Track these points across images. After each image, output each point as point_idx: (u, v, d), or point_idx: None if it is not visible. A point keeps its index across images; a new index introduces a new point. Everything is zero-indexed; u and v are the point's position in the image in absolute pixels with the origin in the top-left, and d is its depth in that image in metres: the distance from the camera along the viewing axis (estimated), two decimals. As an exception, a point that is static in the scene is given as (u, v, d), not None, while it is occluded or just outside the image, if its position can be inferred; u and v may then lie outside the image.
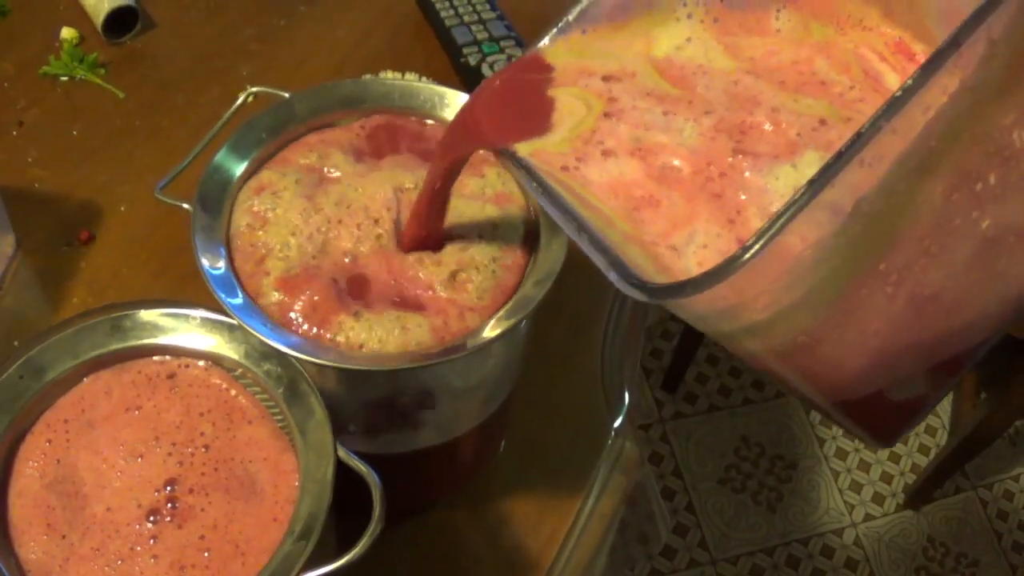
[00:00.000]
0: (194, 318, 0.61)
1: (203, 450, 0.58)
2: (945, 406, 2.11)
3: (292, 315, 0.60)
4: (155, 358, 0.62)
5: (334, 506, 0.55)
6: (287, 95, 0.70)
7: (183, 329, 0.61)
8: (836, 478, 2.00)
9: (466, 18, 1.10)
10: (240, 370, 0.61)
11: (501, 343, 0.62)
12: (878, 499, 1.99)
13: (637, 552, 1.05)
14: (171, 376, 0.61)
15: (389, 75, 1.02)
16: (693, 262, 0.48)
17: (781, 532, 1.92)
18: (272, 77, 1.05)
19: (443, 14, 1.10)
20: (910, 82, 0.40)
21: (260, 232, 0.63)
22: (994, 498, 2.03)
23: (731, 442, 2.01)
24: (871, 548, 1.93)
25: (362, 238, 0.63)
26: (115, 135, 0.99)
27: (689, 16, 0.58)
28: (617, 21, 0.58)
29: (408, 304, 0.62)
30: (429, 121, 0.72)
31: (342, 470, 0.57)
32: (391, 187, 0.66)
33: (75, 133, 0.99)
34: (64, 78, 1.03)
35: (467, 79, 1.04)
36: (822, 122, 0.52)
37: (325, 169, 0.67)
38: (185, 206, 0.63)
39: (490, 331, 0.60)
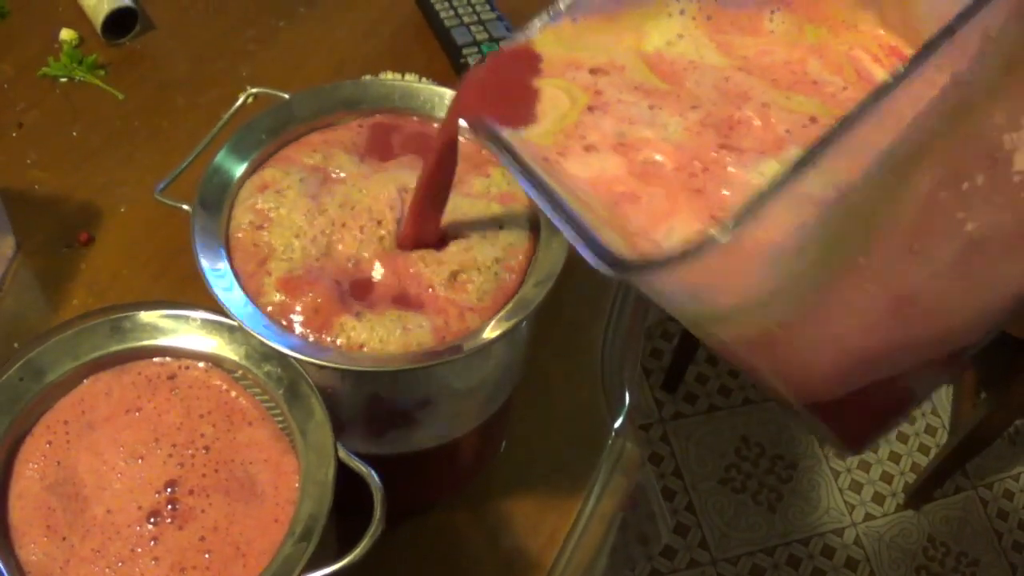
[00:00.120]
0: (194, 319, 0.61)
1: (203, 451, 0.58)
2: (945, 405, 2.11)
3: (293, 316, 0.60)
4: (155, 359, 0.62)
5: (335, 507, 0.55)
6: (287, 96, 0.70)
7: (183, 330, 0.61)
8: (836, 478, 2.00)
9: (466, 19, 1.10)
10: (240, 371, 0.61)
11: (502, 344, 0.61)
12: (878, 499, 1.99)
13: (637, 552, 1.05)
14: (171, 377, 0.61)
15: (389, 76, 1.02)
16: None
17: (781, 532, 1.92)
18: (272, 78, 1.05)
19: (443, 15, 1.10)
20: (901, 69, 0.39)
21: (263, 232, 0.63)
22: (994, 497, 2.03)
23: (731, 442, 2.01)
24: (871, 548, 1.93)
25: (365, 241, 0.63)
26: (115, 136, 0.99)
27: (682, 12, 0.58)
28: (608, 13, 0.57)
29: (409, 304, 0.62)
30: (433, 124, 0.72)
31: (343, 471, 0.56)
32: (395, 187, 0.66)
33: (75, 134, 0.99)
34: (63, 79, 1.03)
35: (467, 80, 1.04)
36: (813, 120, 0.51)
37: (329, 169, 0.67)
38: (185, 207, 0.63)
39: (490, 332, 0.60)
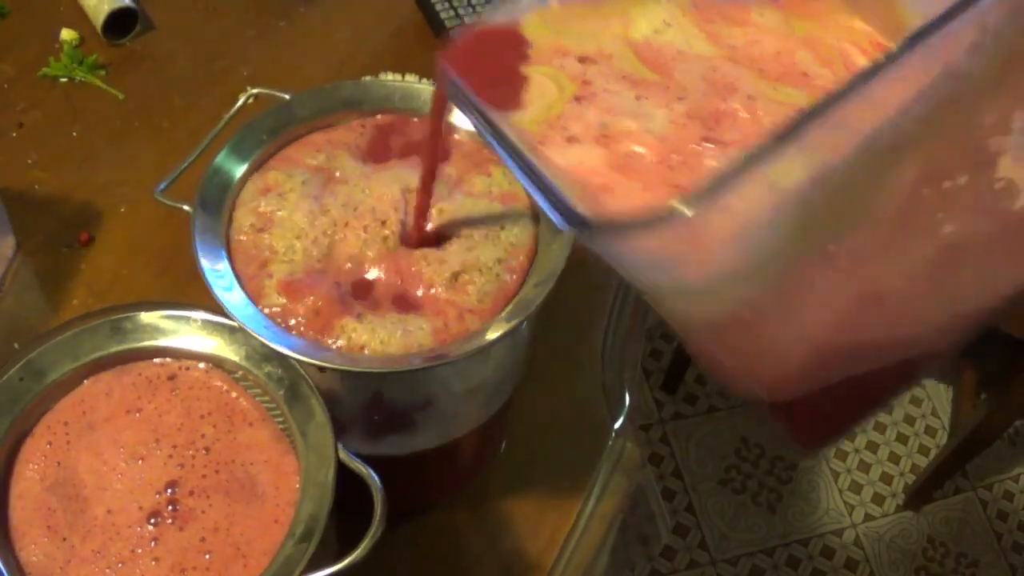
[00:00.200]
0: (195, 320, 0.61)
1: (204, 452, 0.58)
2: (945, 406, 2.11)
3: (294, 319, 0.60)
4: (156, 360, 0.62)
5: (335, 507, 0.55)
6: (287, 97, 0.70)
7: (184, 331, 0.61)
8: (836, 479, 2.00)
9: (466, 19, 1.10)
10: (241, 372, 0.61)
11: (502, 345, 0.61)
12: (878, 500, 1.99)
13: (637, 553, 1.05)
14: (172, 378, 0.61)
15: (389, 76, 1.02)
16: None
17: (781, 533, 1.92)
18: (272, 79, 1.05)
19: (443, 15, 1.10)
20: (895, 50, 0.38)
21: (264, 234, 0.63)
22: (994, 498, 2.03)
23: (731, 443, 2.01)
24: (871, 549, 1.93)
25: (369, 241, 0.63)
26: (115, 137, 0.99)
27: None
28: None
29: (410, 305, 0.62)
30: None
31: (343, 472, 0.56)
32: (398, 187, 0.66)
33: (75, 135, 0.99)
34: (64, 80, 1.03)
35: (467, 80, 1.04)
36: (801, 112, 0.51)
37: (332, 170, 0.67)
38: (185, 208, 0.63)
39: (491, 333, 0.60)
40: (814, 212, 0.41)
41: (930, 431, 2.09)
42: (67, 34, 1.06)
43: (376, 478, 0.56)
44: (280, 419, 0.59)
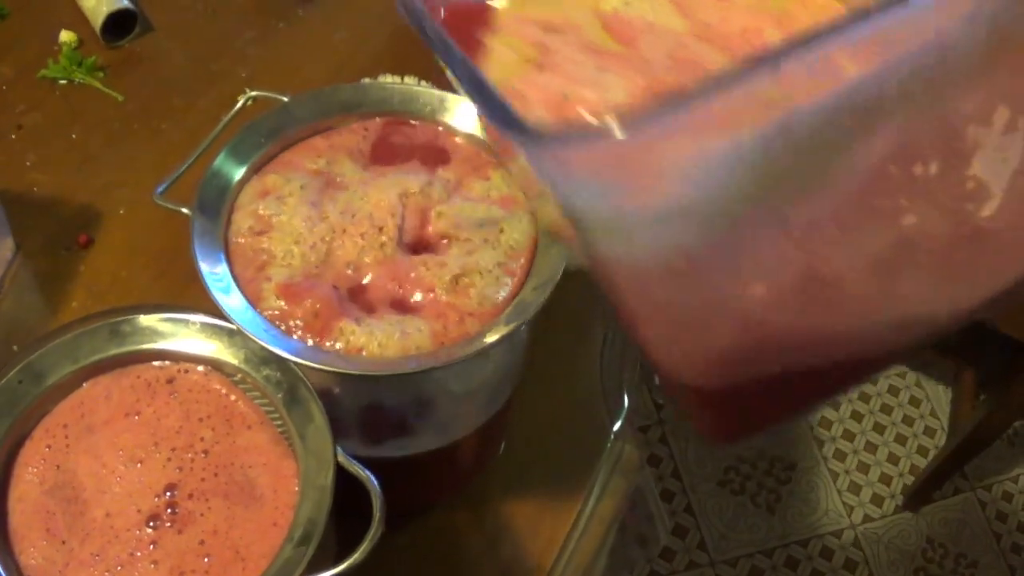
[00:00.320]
0: (193, 323, 0.61)
1: (203, 455, 0.58)
2: (944, 407, 2.11)
3: (293, 322, 0.60)
4: (154, 363, 0.62)
5: (334, 510, 0.55)
6: (286, 99, 0.70)
7: (182, 334, 0.61)
8: (835, 479, 2.00)
9: (465, 21, 1.09)
10: (239, 375, 0.61)
11: (500, 347, 0.62)
12: (877, 500, 1.99)
13: (636, 554, 1.05)
14: (170, 381, 0.61)
15: (388, 79, 1.02)
16: None
17: (780, 534, 1.92)
18: (271, 80, 1.05)
19: (442, 17, 1.10)
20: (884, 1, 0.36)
21: (263, 238, 0.63)
22: (993, 499, 2.03)
23: (730, 443, 2.01)
24: (870, 549, 1.93)
25: (366, 247, 0.63)
26: (114, 138, 0.99)
27: None
28: None
29: (408, 308, 0.62)
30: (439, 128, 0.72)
31: (342, 474, 0.56)
32: (396, 193, 0.66)
33: (74, 136, 0.99)
34: (63, 81, 1.03)
35: (466, 82, 1.04)
36: None
37: (332, 174, 0.67)
38: (184, 210, 0.63)
39: (490, 336, 0.60)
40: (775, 162, 0.38)
41: (929, 432, 2.09)
42: (66, 36, 1.06)
43: (374, 481, 0.56)
44: (279, 422, 0.60)
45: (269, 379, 0.60)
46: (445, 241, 0.65)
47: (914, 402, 2.11)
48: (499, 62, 0.50)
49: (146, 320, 0.61)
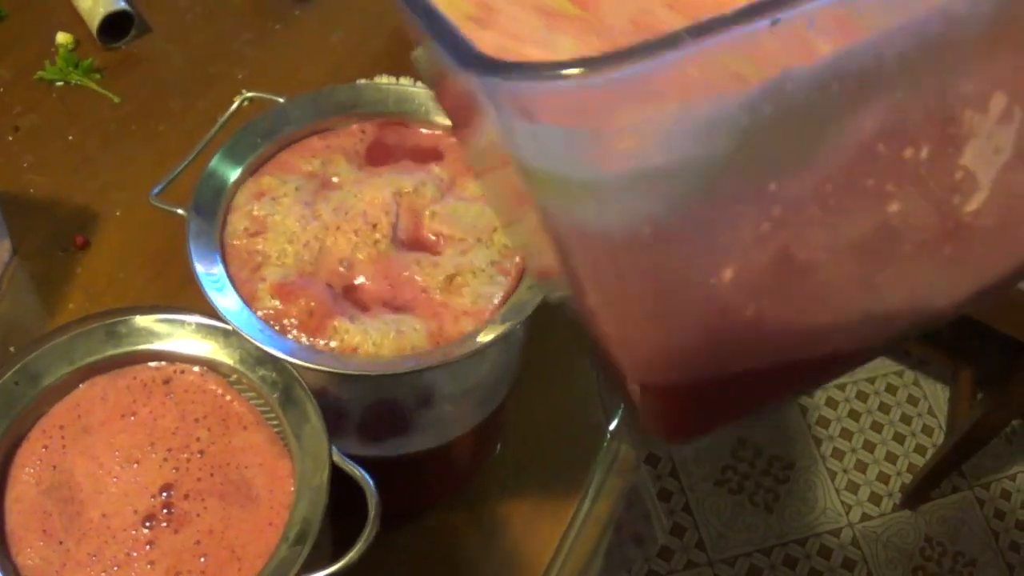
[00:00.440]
0: (189, 324, 0.61)
1: (199, 456, 0.59)
2: (942, 405, 2.12)
3: (287, 320, 0.60)
4: (151, 364, 0.62)
5: (330, 510, 0.55)
6: (282, 100, 0.71)
7: (178, 335, 0.61)
8: (833, 478, 2.00)
9: (461, 21, 1.09)
10: (235, 376, 0.61)
11: (496, 347, 0.62)
12: (875, 499, 1.99)
13: (634, 553, 1.05)
14: (166, 382, 0.61)
15: (384, 79, 1.02)
16: None
17: (778, 533, 1.93)
18: (267, 82, 1.05)
19: (438, 17, 1.10)
20: None
21: (258, 239, 0.64)
22: (991, 497, 2.03)
23: (727, 443, 2.02)
24: (868, 548, 1.94)
25: (360, 244, 0.64)
26: (110, 140, 0.99)
27: None
28: None
29: (403, 307, 0.62)
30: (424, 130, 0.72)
31: (338, 474, 0.57)
32: (390, 191, 0.66)
33: (70, 138, 0.99)
34: (60, 83, 1.03)
35: (462, 83, 1.04)
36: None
37: (328, 175, 0.68)
38: (180, 211, 0.64)
39: (485, 335, 0.60)
40: (762, 128, 0.35)
41: (927, 430, 2.09)
42: (62, 37, 1.06)
43: (369, 480, 0.57)
44: (274, 422, 0.60)
45: (265, 379, 0.60)
46: (439, 240, 0.65)
47: (912, 401, 2.11)
48: None
49: (142, 321, 0.61)
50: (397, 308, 0.62)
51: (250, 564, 0.55)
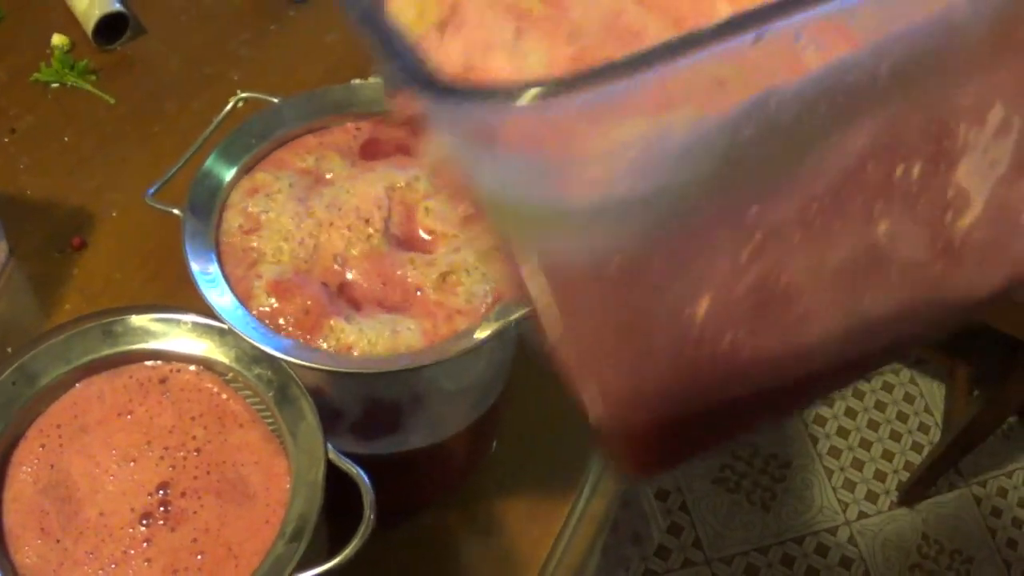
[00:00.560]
0: (185, 323, 0.62)
1: (195, 454, 0.59)
2: (938, 403, 2.12)
3: (283, 319, 0.61)
4: (147, 363, 0.62)
5: (326, 507, 0.56)
6: (276, 100, 0.71)
7: (174, 334, 0.62)
8: (830, 476, 2.01)
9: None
10: (231, 374, 0.61)
11: (491, 345, 0.62)
12: (872, 497, 2.00)
13: (631, 552, 1.05)
14: (163, 381, 0.61)
15: (379, 79, 1.02)
16: None
17: (775, 531, 1.93)
18: (263, 82, 1.05)
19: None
20: None
21: (252, 236, 0.64)
22: (988, 495, 2.04)
23: (725, 442, 2.02)
24: (865, 546, 1.94)
25: (353, 240, 0.64)
26: (106, 141, 0.99)
27: None
28: None
29: (398, 306, 0.62)
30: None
31: (334, 473, 0.57)
32: (383, 186, 0.66)
33: (66, 140, 0.99)
34: (55, 85, 1.03)
35: (457, 83, 1.04)
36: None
37: (321, 172, 0.68)
38: (176, 211, 0.64)
39: (479, 333, 0.60)
40: (743, 150, 0.32)
41: (923, 428, 2.09)
42: (58, 39, 1.06)
43: (365, 477, 0.57)
44: (270, 420, 0.60)
45: (260, 378, 0.60)
46: (433, 238, 0.65)
47: (908, 399, 2.11)
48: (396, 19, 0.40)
49: (138, 320, 0.62)
50: (391, 307, 0.62)
51: (247, 561, 0.55)
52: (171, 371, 0.62)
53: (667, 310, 0.36)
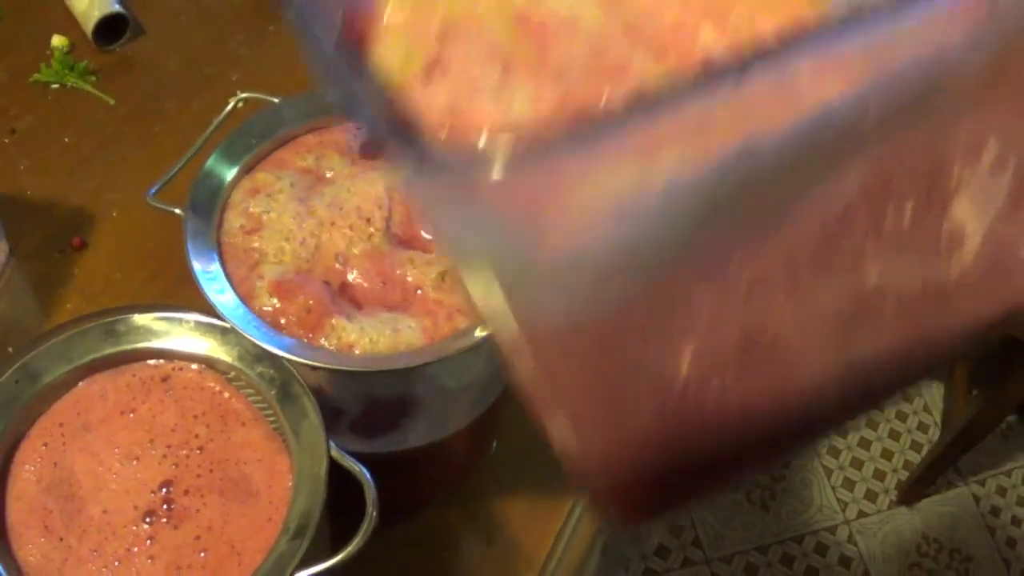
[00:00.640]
0: (187, 322, 0.62)
1: (198, 452, 0.59)
2: (937, 402, 2.12)
3: (285, 318, 0.61)
4: (149, 362, 0.62)
5: (328, 505, 0.56)
6: (276, 100, 0.71)
7: (176, 333, 0.62)
8: (829, 476, 2.01)
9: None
10: (233, 373, 0.61)
11: (491, 343, 0.62)
12: (871, 496, 2.00)
13: (631, 551, 1.05)
14: (165, 379, 0.62)
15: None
16: None
17: (775, 530, 1.93)
18: (263, 82, 1.05)
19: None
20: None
21: (254, 236, 0.64)
22: (987, 494, 2.04)
23: (724, 441, 2.02)
24: (865, 545, 1.94)
25: (354, 239, 0.64)
26: (106, 142, 0.99)
27: None
28: None
29: (398, 305, 0.63)
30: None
31: (336, 470, 0.57)
32: (383, 185, 0.66)
33: (66, 140, 0.99)
34: (55, 86, 1.03)
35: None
36: None
37: (321, 171, 0.68)
38: (177, 211, 0.64)
39: (480, 331, 0.60)
40: (727, 199, 0.31)
41: (922, 427, 2.10)
42: (58, 40, 1.06)
43: (368, 475, 0.57)
44: (272, 419, 0.60)
45: (263, 376, 0.60)
46: (432, 237, 0.65)
47: (907, 397, 2.12)
48: (383, 66, 0.41)
49: (140, 319, 0.62)
50: (392, 306, 0.62)
51: (250, 559, 0.55)
52: (173, 370, 0.62)
53: (650, 360, 0.34)
